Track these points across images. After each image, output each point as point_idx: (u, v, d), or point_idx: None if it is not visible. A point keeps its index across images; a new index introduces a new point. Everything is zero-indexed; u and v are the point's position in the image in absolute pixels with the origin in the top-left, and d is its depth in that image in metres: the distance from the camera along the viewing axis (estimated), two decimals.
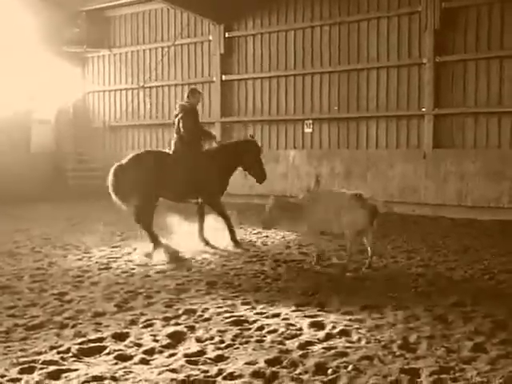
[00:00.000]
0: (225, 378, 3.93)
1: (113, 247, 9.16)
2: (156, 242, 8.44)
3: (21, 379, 3.93)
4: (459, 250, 8.96)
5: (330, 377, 3.98)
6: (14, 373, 4.03)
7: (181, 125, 9.01)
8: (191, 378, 3.90)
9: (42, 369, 4.07)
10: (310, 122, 15.73)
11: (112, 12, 19.63)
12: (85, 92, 20.45)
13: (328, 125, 15.63)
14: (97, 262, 7.92)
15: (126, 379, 3.90)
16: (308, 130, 15.79)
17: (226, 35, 17.04)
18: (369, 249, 7.43)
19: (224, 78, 17.11)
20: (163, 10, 18.35)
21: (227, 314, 5.41)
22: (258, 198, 14.40)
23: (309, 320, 5.24)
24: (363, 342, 4.68)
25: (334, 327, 5.04)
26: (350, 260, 7.44)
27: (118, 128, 19.62)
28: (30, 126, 18.03)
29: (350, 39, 15.22)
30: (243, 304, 5.81)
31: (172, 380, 3.86)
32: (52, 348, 4.48)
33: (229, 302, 5.86)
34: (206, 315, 5.39)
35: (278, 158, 15.81)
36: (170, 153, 9.13)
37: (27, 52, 17.91)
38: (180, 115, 9.09)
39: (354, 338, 4.80)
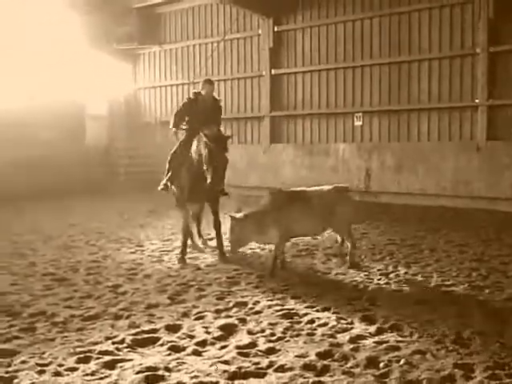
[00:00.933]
0: (276, 370, 3.97)
1: (164, 241, 9.30)
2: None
3: (78, 368, 4.05)
4: None
5: (382, 370, 3.98)
6: (71, 362, 4.17)
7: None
8: (242, 370, 3.95)
9: (97, 358, 4.19)
10: (360, 114, 15.59)
11: (162, 8, 19.83)
12: (136, 88, 20.78)
13: (378, 117, 15.46)
14: (149, 256, 8.06)
15: (179, 370, 3.98)
16: (358, 123, 15.65)
17: (275, 29, 17.01)
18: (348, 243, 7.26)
19: (273, 71, 17.10)
20: (212, 5, 18.45)
21: (278, 307, 5.44)
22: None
23: (360, 314, 5.23)
24: (415, 337, 4.65)
25: (385, 322, 5.01)
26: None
27: (168, 123, 19.79)
28: (84, 121, 18.43)
29: (400, 30, 14.97)
30: (293, 298, 5.82)
31: (224, 371, 3.92)
32: (107, 338, 4.61)
33: (279, 296, 5.89)
34: (257, 308, 5.44)
35: (328, 152, 15.74)
36: None
37: (81, 49, 18.31)
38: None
39: (406, 332, 4.77)
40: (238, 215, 6.71)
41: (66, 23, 17.94)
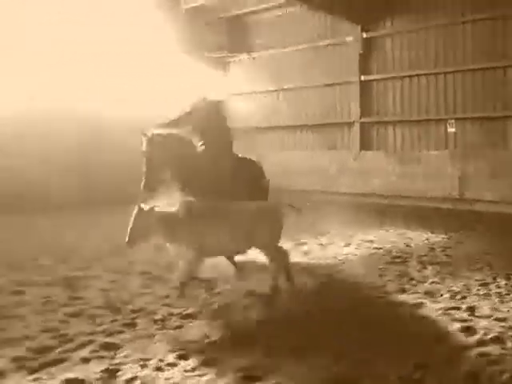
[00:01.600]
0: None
1: None
2: None
3: (178, 364, 4.17)
4: None
5: None
6: (171, 358, 4.29)
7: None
8: None
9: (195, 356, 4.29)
10: (453, 121, 15.16)
11: (251, 17, 20.09)
12: (227, 95, 21.10)
13: (471, 124, 14.98)
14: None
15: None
16: (451, 130, 15.22)
17: (364, 35, 16.87)
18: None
19: (363, 78, 16.95)
20: (300, 13, 18.49)
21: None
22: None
23: (459, 324, 5.08)
24: None
25: (485, 334, 4.84)
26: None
27: (258, 130, 20.02)
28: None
29: (495, 35, 14.47)
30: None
31: None
32: (205, 337, 4.71)
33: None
34: None
35: (420, 159, 15.41)
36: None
37: (173, 58, 18.82)
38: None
39: (509, 345, 4.59)
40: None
41: (157, 33, 18.48)
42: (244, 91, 20.55)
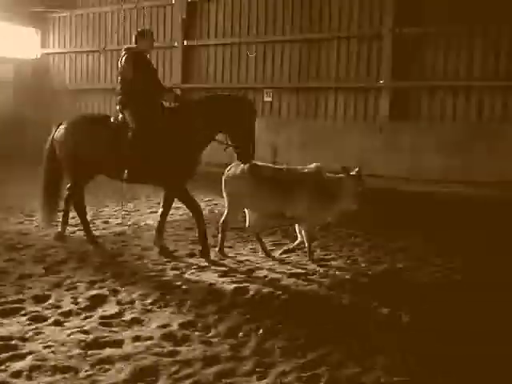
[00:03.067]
0: (134, 340, 3.98)
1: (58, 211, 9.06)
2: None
3: None
4: None
5: (240, 340, 4.07)
6: None
7: (123, 72, 6.59)
8: (100, 340, 3.93)
9: None
10: (270, 90, 15.67)
11: None
12: (44, 53, 19.99)
13: (288, 94, 15.58)
14: (37, 226, 7.83)
15: (35, 340, 3.92)
16: (268, 99, 15.73)
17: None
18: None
19: (186, 43, 16.89)
20: None
21: (154, 279, 5.44)
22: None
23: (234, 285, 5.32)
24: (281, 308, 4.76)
25: (257, 293, 5.11)
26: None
27: (78, 92, 19.27)
28: None
29: (312, 7, 15.07)
30: (173, 269, 5.85)
31: (80, 341, 3.89)
32: None
33: (159, 267, 5.90)
34: (133, 279, 5.42)
35: None
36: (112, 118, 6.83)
37: None
38: (122, 61, 6.61)
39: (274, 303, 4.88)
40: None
41: None
42: (64, 50, 19.59)
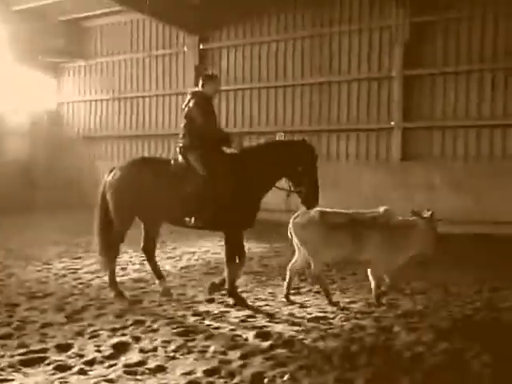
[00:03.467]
0: None
1: (75, 258, 9.14)
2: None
3: None
4: None
5: None
6: None
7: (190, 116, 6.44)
8: None
9: None
10: (282, 134, 15.82)
11: (89, 22, 19.58)
12: (59, 102, 20.36)
13: (300, 137, 15.70)
14: (55, 274, 7.89)
15: None
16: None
17: (201, 46, 17.14)
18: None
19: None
20: (139, 20, 18.36)
21: (175, 325, 5.44)
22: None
23: (255, 330, 5.30)
24: (305, 352, 4.74)
25: (279, 338, 5.09)
26: None
27: (93, 139, 19.54)
28: (3, 135, 17.89)
29: (322, 52, 15.36)
30: (194, 315, 5.84)
31: None
32: None
33: (180, 313, 5.90)
34: (155, 326, 5.42)
35: None
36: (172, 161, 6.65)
37: (2, 62, 17.85)
38: (190, 104, 6.53)
39: (297, 348, 4.86)
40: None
41: None
42: (79, 98, 19.96)
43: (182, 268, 8.47)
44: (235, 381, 4.14)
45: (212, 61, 17.14)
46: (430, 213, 6.17)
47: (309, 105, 15.63)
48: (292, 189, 6.43)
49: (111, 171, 6.71)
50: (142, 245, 6.87)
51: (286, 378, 4.16)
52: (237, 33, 16.71)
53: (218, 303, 6.38)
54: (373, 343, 4.99)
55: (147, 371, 4.29)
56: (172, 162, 6.60)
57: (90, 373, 4.25)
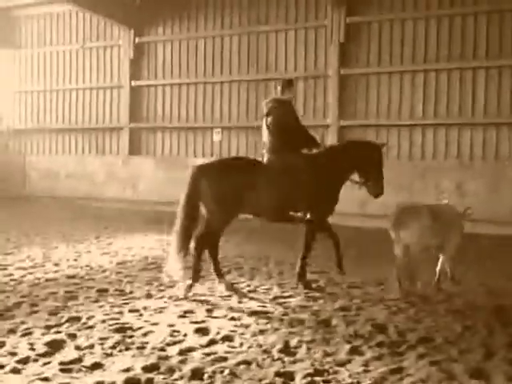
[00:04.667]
0: None
1: (5, 254, 8.82)
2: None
3: None
4: None
5: (205, 382, 4.00)
6: None
7: (272, 121, 6.93)
8: None
9: None
10: (219, 130, 15.80)
11: (19, 12, 18.96)
12: None
13: (237, 133, 15.75)
14: None
15: None
16: (217, 138, 15.85)
17: (136, 40, 16.87)
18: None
19: (133, 83, 16.91)
20: (72, 12, 17.94)
21: (112, 322, 5.32)
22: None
23: (195, 326, 5.25)
24: (245, 347, 4.73)
25: (218, 333, 5.07)
26: None
27: (23, 132, 18.95)
28: None
29: (258, 49, 15.44)
30: (131, 311, 5.74)
31: None
32: None
33: (116, 310, 5.78)
34: (90, 323, 5.28)
35: (188, 166, 15.72)
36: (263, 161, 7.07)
37: None
38: (278, 111, 7.00)
39: (236, 343, 4.85)
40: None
41: None
42: (8, 89, 19.29)
43: (118, 264, 8.30)
44: (175, 376, 4.08)
45: (148, 55, 16.91)
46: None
47: (246, 101, 15.66)
48: (362, 181, 7.37)
49: (199, 169, 6.76)
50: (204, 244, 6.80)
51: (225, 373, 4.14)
52: (173, 28, 16.57)
53: (156, 299, 6.30)
54: (312, 337, 5.03)
55: (84, 369, 4.18)
56: (265, 161, 7.03)
57: (24, 371, 4.10)
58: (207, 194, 6.63)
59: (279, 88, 7.17)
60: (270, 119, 6.95)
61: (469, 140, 13.38)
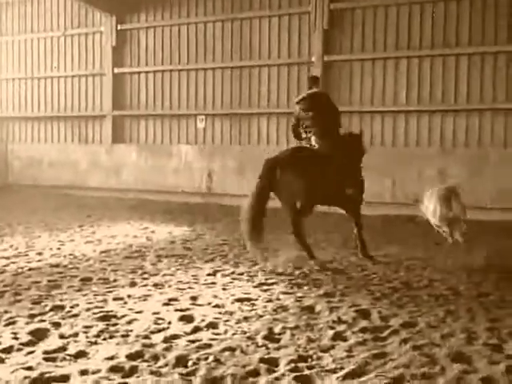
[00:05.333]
0: (81, 374, 3.86)
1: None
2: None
3: None
4: None
5: (190, 369, 4.01)
6: None
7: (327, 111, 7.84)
8: (45, 375, 3.80)
9: None
10: (203, 117, 15.75)
11: None
12: None
13: (221, 120, 15.71)
14: None
15: None
16: (201, 126, 15.80)
17: (119, 27, 16.72)
18: None
19: (116, 70, 16.78)
20: None
21: (96, 310, 5.31)
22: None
23: (179, 314, 5.25)
24: (229, 334, 4.75)
25: (202, 320, 5.08)
26: None
27: (3, 120, 18.76)
28: None
29: (242, 36, 15.36)
30: (115, 299, 5.73)
31: (25, 378, 3.75)
32: None
33: (100, 298, 5.77)
34: (75, 311, 5.26)
35: (171, 153, 15.71)
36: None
37: None
38: (321, 101, 7.92)
39: (221, 330, 4.86)
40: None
41: None
42: None
43: (101, 252, 8.27)
44: (159, 364, 4.09)
45: (130, 42, 16.77)
46: None
47: (230, 88, 15.59)
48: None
49: (274, 161, 7.39)
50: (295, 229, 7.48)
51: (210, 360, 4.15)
52: (156, 15, 16.44)
53: (140, 287, 6.29)
54: (296, 323, 5.06)
55: (68, 357, 4.17)
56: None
57: (7, 361, 4.08)
58: (285, 184, 7.28)
59: (309, 84, 8.32)
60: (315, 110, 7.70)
61: (452, 126, 13.44)
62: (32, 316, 5.10)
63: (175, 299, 5.77)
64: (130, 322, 4.99)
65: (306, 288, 6.36)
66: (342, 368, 4.05)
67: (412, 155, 13.30)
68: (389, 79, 13.91)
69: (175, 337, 4.64)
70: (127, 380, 3.79)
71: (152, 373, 3.92)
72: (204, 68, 15.84)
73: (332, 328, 4.93)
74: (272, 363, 4.14)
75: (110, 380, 3.78)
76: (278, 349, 4.44)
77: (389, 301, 5.86)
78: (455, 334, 4.78)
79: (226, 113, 15.58)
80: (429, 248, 8.74)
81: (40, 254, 8.06)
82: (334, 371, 3.99)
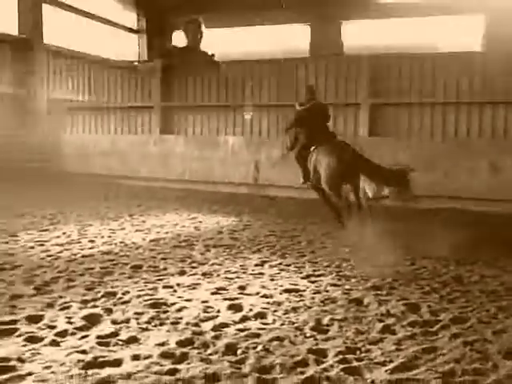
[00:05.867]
0: (133, 359, 3.95)
1: (42, 231, 9.00)
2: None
3: None
4: None
5: (239, 357, 4.06)
6: None
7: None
8: (99, 360, 3.91)
9: None
10: (250, 109, 15.76)
11: None
12: None
13: (267, 112, 15.69)
14: (22, 246, 7.77)
15: (33, 360, 3.88)
16: (248, 117, 15.82)
17: None
18: None
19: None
20: None
21: (147, 297, 5.41)
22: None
23: (228, 303, 5.31)
24: (277, 324, 4.78)
25: (251, 310, 5.12)
26: None
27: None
28: None
29: None
30: (165, 287, 5.83)
31: (79, 361, 3.86)
32: None
33: (151, 286, 5.87)
34: (126, 298, 5.37)
35: (218, 144, 15.77)
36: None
37: None
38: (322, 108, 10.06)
39: (269, 320, 4.89)
40: None
41: None
42: None
43: (151, 241, 8.41)
44: (209, 351, 4.15)
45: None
46: None
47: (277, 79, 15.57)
48: None
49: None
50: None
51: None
52: None
53: (189, 275, 6.38)
54: (344, 315, 5.05)
55: (120, 342, 4.27)
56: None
57: (62, 344, 4.21)
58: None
59: (307, 93, 10.04)
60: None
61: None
62: (85, 302, 5.24)
63: (224, 288, 5.83)
64: (179, 310, 5.07)
65: (353, 280, 6.33)
66: (391, 361, 4.04)
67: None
68: None
69: (224, 325, 4.69)
70: (178, 366, 3.86)
71: (202, 360, 3.98)
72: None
73: (381, 321, 4.91)
74: (320, 354, 4.15)
75: (161, 366, 3.86)
76: (326, 340, 4.45)
77: (438, 295, 5.79)
78: (507, 330, 4.70)
79: (271, 104, 15.56)
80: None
81: (92, 241, 8.24)
82: (383, 364, 3.98)
